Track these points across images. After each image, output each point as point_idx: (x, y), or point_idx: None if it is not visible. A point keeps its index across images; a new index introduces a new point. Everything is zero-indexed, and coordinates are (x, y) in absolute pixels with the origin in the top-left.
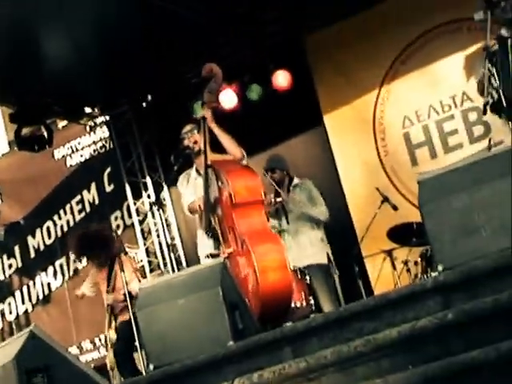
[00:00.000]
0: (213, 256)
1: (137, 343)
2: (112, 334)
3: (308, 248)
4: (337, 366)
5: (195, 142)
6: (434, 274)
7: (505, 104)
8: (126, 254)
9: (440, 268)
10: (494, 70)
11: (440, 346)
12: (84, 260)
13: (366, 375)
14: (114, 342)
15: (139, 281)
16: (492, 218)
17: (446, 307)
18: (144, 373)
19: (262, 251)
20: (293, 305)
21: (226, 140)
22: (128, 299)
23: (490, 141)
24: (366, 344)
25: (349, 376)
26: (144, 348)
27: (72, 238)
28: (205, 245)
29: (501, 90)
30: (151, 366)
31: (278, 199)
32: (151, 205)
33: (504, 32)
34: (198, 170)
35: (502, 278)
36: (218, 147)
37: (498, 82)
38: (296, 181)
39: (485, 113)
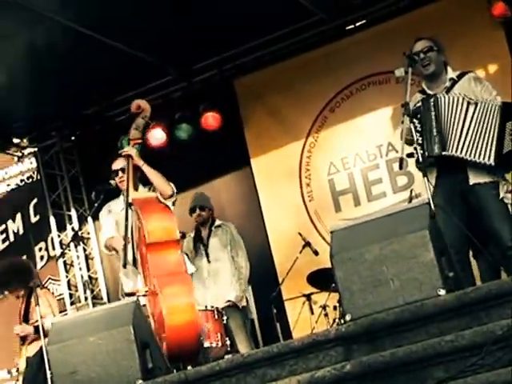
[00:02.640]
0: (128, 295)
1: (48, 378)
2: (22, 364)
3: (227, 289)
4: None
5: (123, 181)
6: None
7: (421, 159)
8: (42, 287)
9: (348, 318)
10: (418, 125)
11: None
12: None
13: None
14: (22, 372)
15: (54, 316)
16: (401, 271)
17: (347, 358)
18: None
19: (170, 293)
20: (209, 345)
21: (154, 177)
22: (41, 333)
23: (411, 192)
24: None
25: None
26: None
27: None
28: (126, 282)
29: (419, 146)
30: None
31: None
32: (72, 238)
33: (425, 87)
34: None
35: (402, 332)
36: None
37: (419, 137)
38: (218, 222)
39: (401, 167)
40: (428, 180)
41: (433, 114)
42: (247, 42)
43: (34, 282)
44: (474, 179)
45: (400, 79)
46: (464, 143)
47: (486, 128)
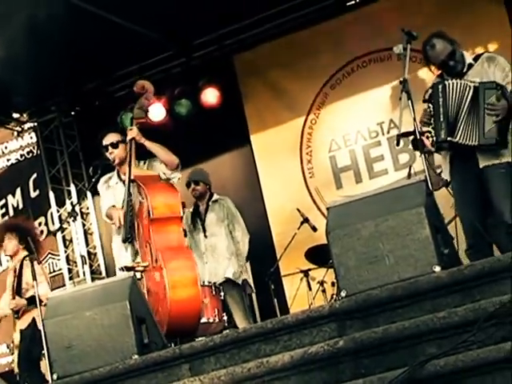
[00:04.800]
0: (127, 269)
1: (45, 351)
2: (16, 337)
3: (224, 264)
4: None
5: (115, 156)
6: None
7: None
8: (39, 262)
9: (343, 294)
10: (432, 109)
11: (330, 372)
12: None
13: None
14: (17, 345)
15: (47, 283)
16: (396, 247)
17: (340, 334)
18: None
19: (174, 267)
20: (206, 320)
21: (159, 151)
22: (38, 304)
23: (410, 169)
24: (260, 366)
25: None
26: (49, 357)
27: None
28: (122, 256)
29: (433, 130)
30: (55, 376)
31: None
32: (70, 212)
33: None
34: (119, 175)
35: (395, 308)
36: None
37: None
38: (216, 197)
39: (398, 144)
40: (426, 159)
41: (440, 100)
42: (247, 17)
43: (31, 257)
44: (483, 162)
45: (400, 56)
46: (459, 128)
47: (476, 110)
